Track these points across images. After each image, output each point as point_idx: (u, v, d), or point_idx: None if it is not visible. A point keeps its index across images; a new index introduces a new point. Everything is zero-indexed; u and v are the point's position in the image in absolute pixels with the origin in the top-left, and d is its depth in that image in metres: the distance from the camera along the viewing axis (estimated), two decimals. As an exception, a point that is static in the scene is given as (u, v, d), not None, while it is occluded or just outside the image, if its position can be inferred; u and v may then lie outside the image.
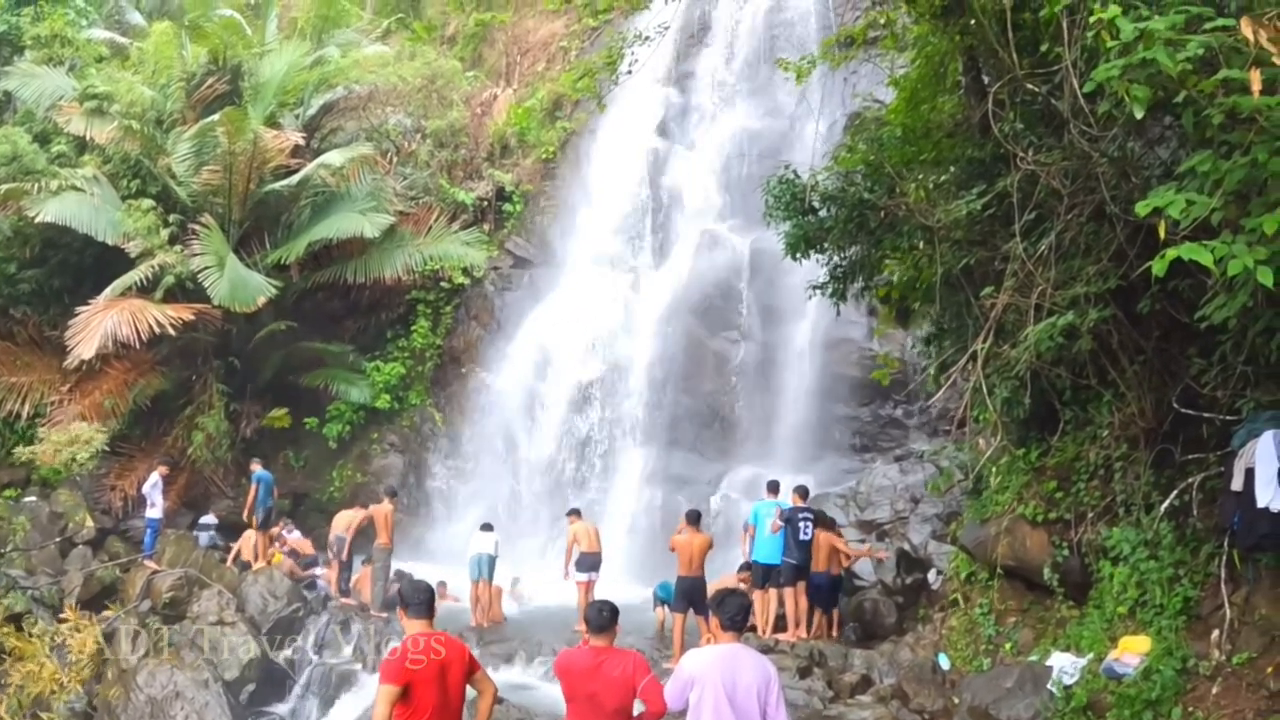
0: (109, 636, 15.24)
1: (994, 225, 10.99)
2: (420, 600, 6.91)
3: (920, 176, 12.27)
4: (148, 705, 14.59)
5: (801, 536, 14.15)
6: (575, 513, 16.99)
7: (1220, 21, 6.73)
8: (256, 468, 19.75)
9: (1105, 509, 10.89)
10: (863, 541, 15.30)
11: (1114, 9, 6.95)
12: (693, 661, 6.96)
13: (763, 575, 14.46)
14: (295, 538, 19.12)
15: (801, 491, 14.82)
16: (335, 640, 16.42)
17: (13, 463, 21.01)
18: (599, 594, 14.76)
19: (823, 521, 14.86)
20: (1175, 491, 9.66)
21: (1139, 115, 6.78)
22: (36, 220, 21.58)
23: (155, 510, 19.15)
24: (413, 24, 32.58)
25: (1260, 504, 8.12)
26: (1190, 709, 8.57)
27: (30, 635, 14.42)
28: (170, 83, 24.41)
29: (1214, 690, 8.64)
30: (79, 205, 21.96)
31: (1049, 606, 11.69)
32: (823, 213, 13.08)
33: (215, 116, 21.88)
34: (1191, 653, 9.02)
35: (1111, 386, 10.45)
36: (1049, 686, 10.04)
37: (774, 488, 15.34)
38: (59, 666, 13.96)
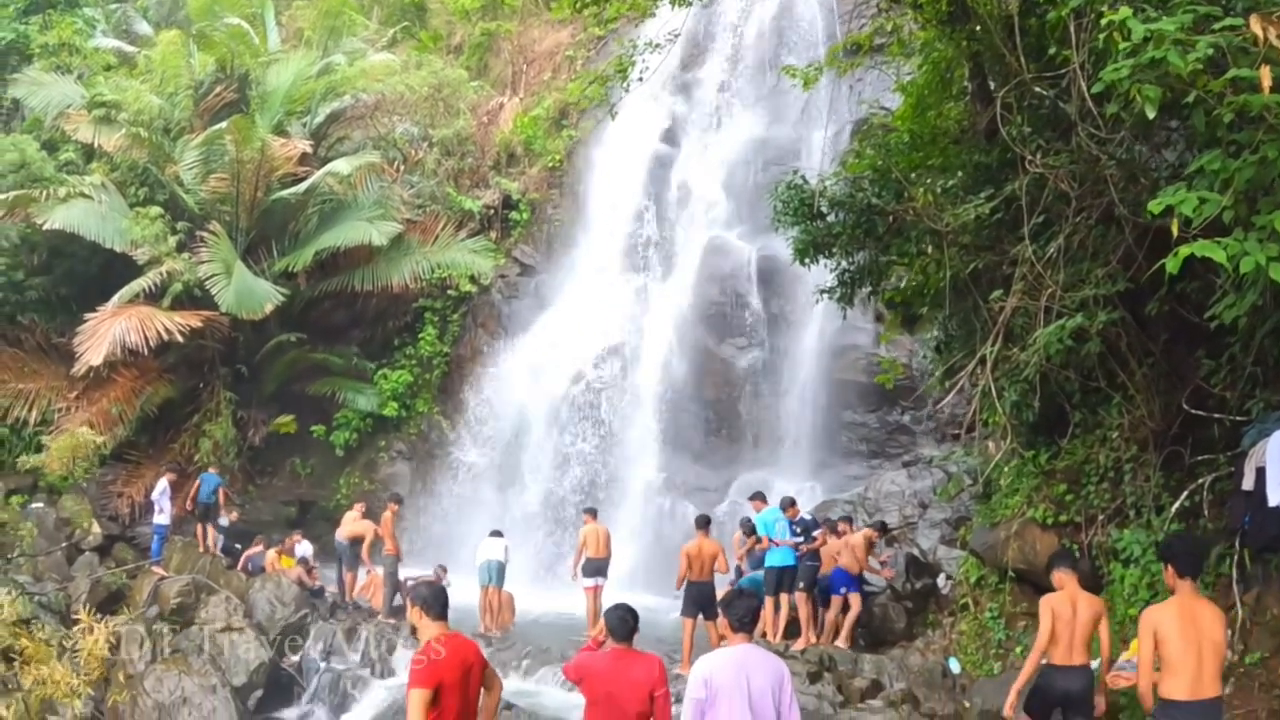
0: (116, 642, 15.23)
1: (1002, 230, 11.00)
2: (439, 602, 6.90)
3: (928, 181, 12.27)
4: (155, 710, 14.58)
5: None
6: (591, 512, 16.97)
7: (1228, 21, 6.77)
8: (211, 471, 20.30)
9: (1115, 511, 10.89)
10: (883, 564, 15.25)
11: (1125, 10, 6.99)
12: (705, 666, 6.94)
13: (775, 581, 14.45)
14: (299, 571, 18.98)
15: (790, 502, 14.94)
16: (342, 646, 16.41)
17: (19, 469, 21.01)
18: (607, 601, 14.75)
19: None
20: (1185, 493, 9.67)
21: (1150, 115, 6.81)
22: (44, 228, 21.66)
23: (163, 517, 19.15)
24: (419, 33, 32.67)
25: (1271, 504, 8.12)
26: (1202, 710, 8.54)
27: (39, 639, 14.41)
28: (178, 91, 24.50)
29: (1226, 691, 8.61)
30: (87, 213, 22.03)
31: (1060, 610, 11.66)
32: (831, 218, 13.10)
33: (223, 124, 21.96)
34: (1203, 654, 8.99)
35: (1121, 389, 10.45)
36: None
37: (762, 497, 15.45)
38: (68, 670, 13.95)
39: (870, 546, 14.78)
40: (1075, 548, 11.23)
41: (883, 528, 15.56)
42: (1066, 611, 8.24)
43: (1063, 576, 8.49)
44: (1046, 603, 8.35)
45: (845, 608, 14.30)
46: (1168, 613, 6.84)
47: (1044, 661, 8.36)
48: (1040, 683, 8.45)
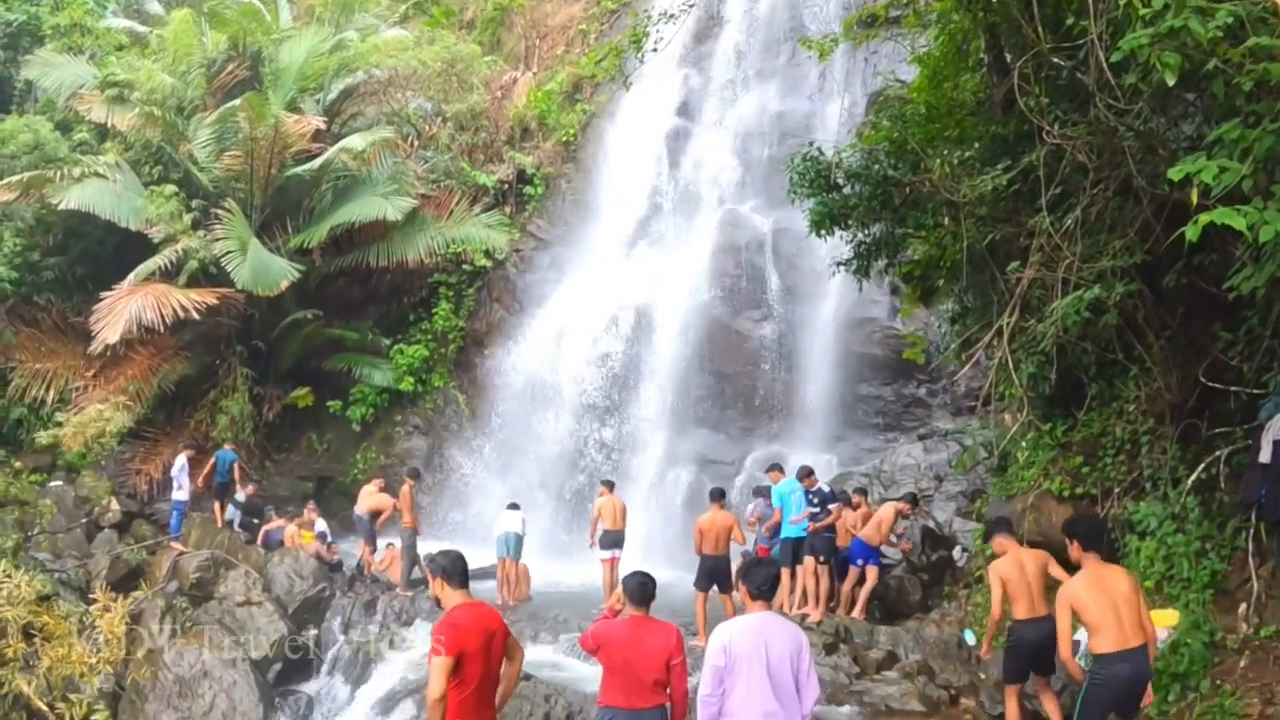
0: (136, 617, 15.36)
1: (1019, 201, 10.95)
2: (460, 571, 6.87)
3: (945, 153, 12.20)
4: (176, 684, 14.71)
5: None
6: (608, 484, 17.01)
7: (1249, -10, 6.70)
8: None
9: (1132, 484, 10.87)
10: (899, 537, 15.23)
11: (1144, -22, 6.93)
12: (724, 634, 6.97)
13: (792, 551, 14.48)
14: (317, 546, 19.10)
15: (808, 472, 14.87)
16: (361, 619, 16.54)
17: (38, 448, 21.17)
18: (623, 573, 14.80)
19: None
20: (1202, 465, 9.65)
21: (1170, 82, 6.76)
22: (59, 207, 21.77)
23: (182, 493, 19.29)
24: (431, 8, 32.55)
25: (1288, 476, 8.11)
26: (1218, 682, 8.57)
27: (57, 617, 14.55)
28: (190, 69, 24.54)
29: (1241, 663, 8.64)
30: (101, 192, 22.13)
31: (1076, 582, 11.68)
32: (847, 190, 13.05)
33: (236, 102, 21.98)
34: (1219, 626, 9.03)
35: (1138, 361, 10.42)
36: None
37: (779, 469, 15.44)
38: (88, 648, 14.08)
39: (898, 519, 14.72)
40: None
41: (914, 500, 15.44)
42: (1014, 573, 8.91)
43: (1003, 541, 9.32)
44: (994, 571, 9.02)
45: (861, 580, 14.30)
46: (1079, 585, 7.56)
47: (1010, 621, 9.01)
48: (1012, 641, 9.06)
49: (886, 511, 14.50)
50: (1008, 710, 9.30)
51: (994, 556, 12.38)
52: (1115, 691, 7.49)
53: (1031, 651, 8.95)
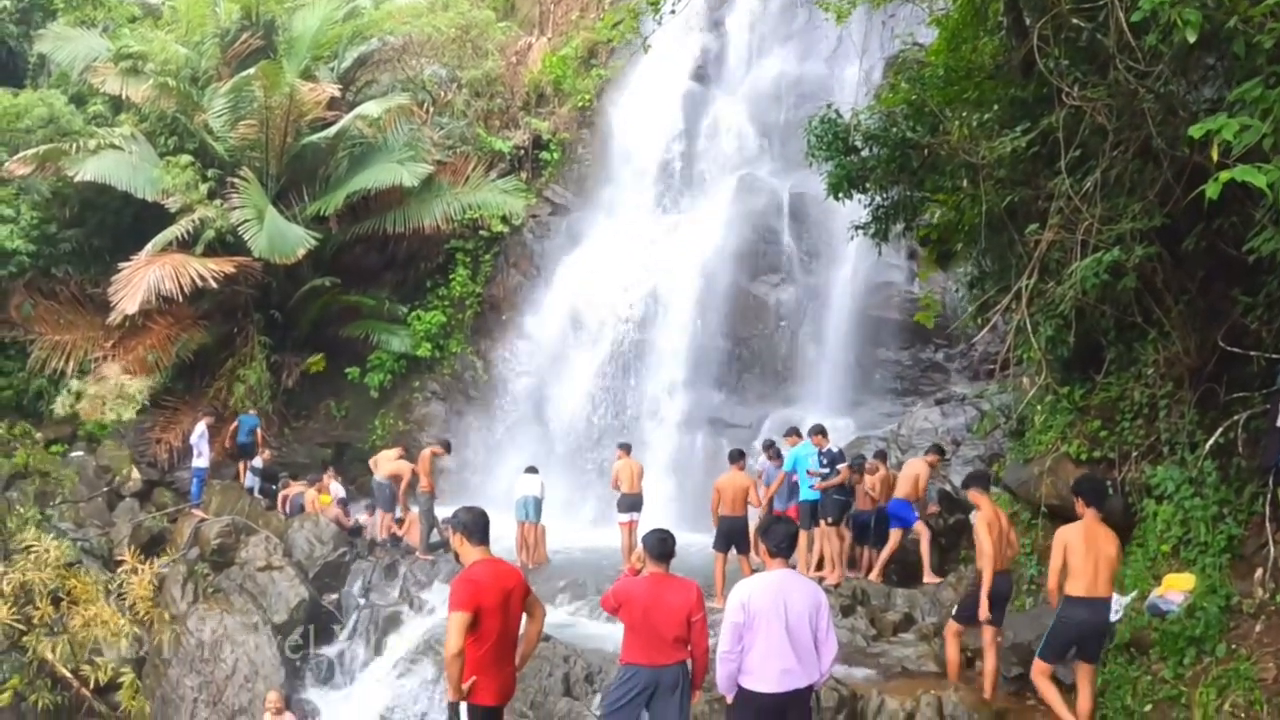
0: (159, 583, 15.57)
1: (1038, 164, 10.85)
2: (480, 528, 6.85)
3: (963, 115, 12.10)
4: (199, 648, 14.94)
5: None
6: (625, 448, 17.07)
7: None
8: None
9: (1150, 448, 10.83)
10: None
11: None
12: (743, 591, 7.02)
13: (810, 514, 14.52)
14: (337, 511, 19.25)
15: (820, 430, 14.84)
16: (381, 583, 16.70)
17: (57, 417, 21.32)
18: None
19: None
20: (1220, 430, 9.59)
21: (1191, 40, 6.69)
22: (76, 180, 21.82)
23: (202, 460, 19.49)
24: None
25: (1306, 440, 8.08)
26: (1234, 646, 8.56)
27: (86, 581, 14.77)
28: (204, 40, 24.55)
29: (1257, 628, 8.63)
30: (117, 164, 22.17)
31: (1092, 546, 11.68)
32: (865, 152, 12.99)
33: (250, 71, 21.97)
34: (1235, 591, 9.00)
35: (1156, 325, 10.35)
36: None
37: (796, 433, 15.42)
38: (115, 611, 14.30)
39: (933, 471, 14.73)
40: (1109, 484, 11.22)
41: (940, 451, 15.39)
42: (999, 525, 9.58)
43: (979, 495, 9.96)
44: (987, 522, 9.52)
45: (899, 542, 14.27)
46: (1075, 532, 8.55)
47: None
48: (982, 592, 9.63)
49: (919, 466, 14.50)
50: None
51: (1012, 518, 12.50)
52: (1075, 630, 8.53)
53: (1002, 601, 9.74)
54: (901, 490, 14.30)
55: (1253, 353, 9.23)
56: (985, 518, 9.56)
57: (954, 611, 10.29)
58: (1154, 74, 8.74)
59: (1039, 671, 8.91)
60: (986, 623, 9.64)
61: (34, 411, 22.39)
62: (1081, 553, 8.41)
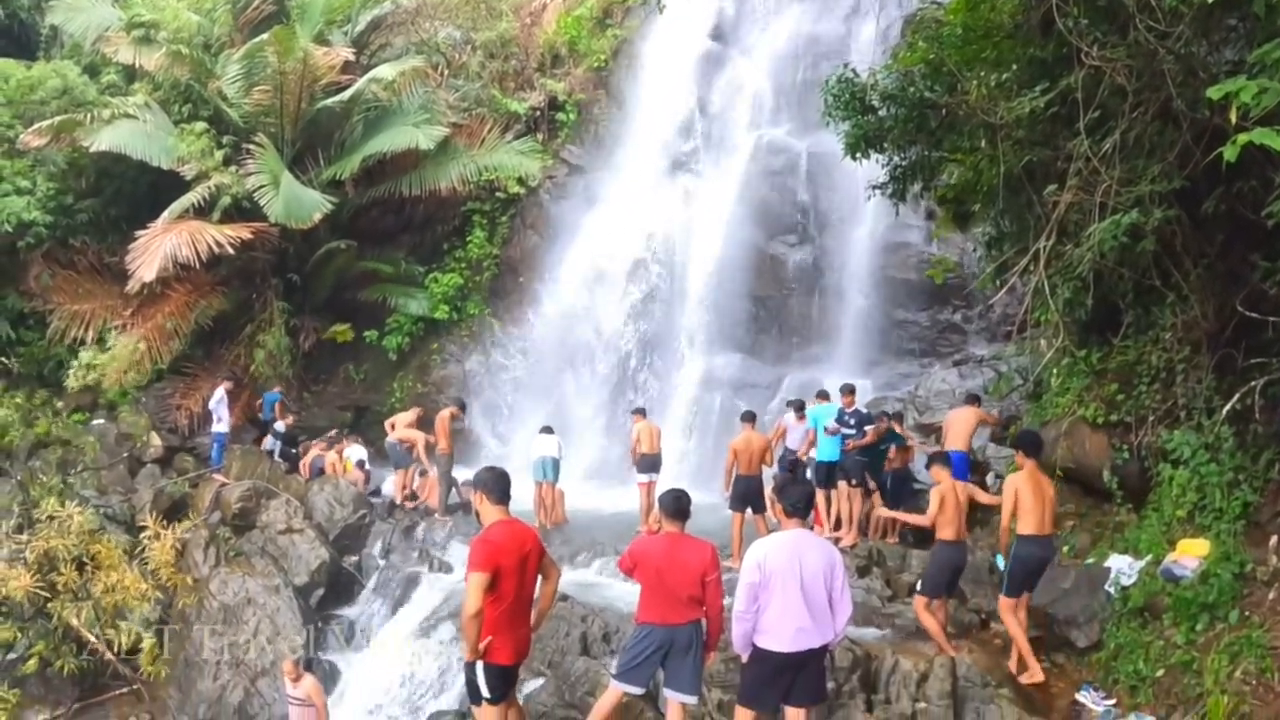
0: (181, 547, 15.72)
1: (1057, 124, 10.73)
2: (500, 488, 6.96)
3: (982, 75, 11.96)
4: (221, 611, 15.08)
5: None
6: (640, 412, 17.14)
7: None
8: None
9: (1166, 412, 10.79)
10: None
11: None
12: (759, 550, 7.07)
13: (825, 474, 14.55)
14: (357, 474, 19.38)
15: (849, 390, 14.84)
16: (401, 545, 16.83)
17: (75, 386, 21.47)
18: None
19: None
20: (1237, 396, 9.52)
21: (1211, 0, 6.56)
22: (91, 150, 21.81)
23: (222, 425, 19.61)
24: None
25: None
26: (1246, 613, 8.55)
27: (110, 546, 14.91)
28: (216, 6, 24.46)
29: (1270, 596, 8.61)
30: (132, 133, 22.14)
31: (1107, 510, 11.68)
32: (882, 112, 12.90)
33: (264, 37, 21.84)
34: (1249, 558, 8.98)
35: (1175, 289, 10.29)
36: (1106, 588, 10.08)
37: (824, 395, 15.39)
38: (138, 576, 14.44)
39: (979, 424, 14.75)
40: (1125, 448, 11.18)
41: (977, 400, 15.40)
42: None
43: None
44: (1015, 488, 9.75)
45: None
46: (1023, 480, 9.65)
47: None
48: (944, 555, 10.29)
49: (967, 415, 14.52)
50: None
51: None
52: (1031, 565, 9.66)
53: (958, 569, 10.47)
54: (953, 443, 14.21)
55: (1271, 318, 9.14)
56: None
57: (919, 586, 10.50)
58: (1174, 34, 8.63)
59: (1006, 608, 9.78)
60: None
61: (55, 381, 22.51)
62: (1030, 497, 9.52)
